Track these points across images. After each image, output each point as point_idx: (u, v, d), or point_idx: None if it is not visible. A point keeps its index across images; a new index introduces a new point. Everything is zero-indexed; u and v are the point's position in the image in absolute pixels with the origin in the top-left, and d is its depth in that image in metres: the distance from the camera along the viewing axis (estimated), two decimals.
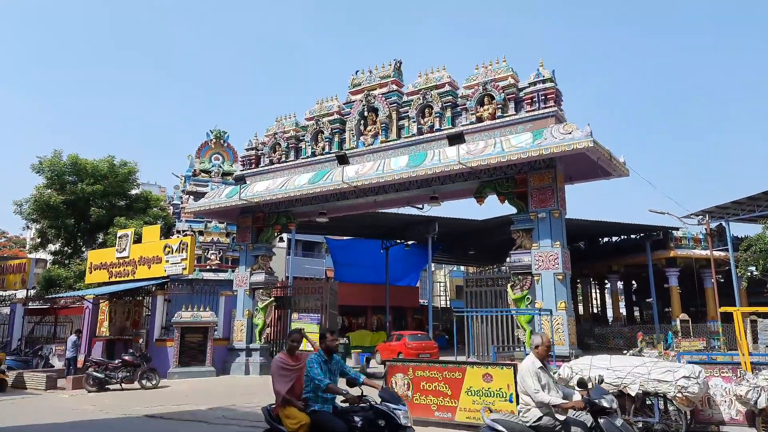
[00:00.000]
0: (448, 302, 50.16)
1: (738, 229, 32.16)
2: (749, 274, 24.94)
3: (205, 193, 20.36)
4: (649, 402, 7.54)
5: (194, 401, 11.76)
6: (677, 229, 30.42)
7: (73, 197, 25.38)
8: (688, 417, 7.46)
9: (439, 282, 54.98)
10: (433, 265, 39.26)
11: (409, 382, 9.03)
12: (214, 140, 24.45)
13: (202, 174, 23.68)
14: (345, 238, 35.11)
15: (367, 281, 32.20)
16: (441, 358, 17.62)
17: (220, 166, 23.86)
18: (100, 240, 25.89)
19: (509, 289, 13.13)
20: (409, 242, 33.67)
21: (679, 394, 7.21)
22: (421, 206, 17.08)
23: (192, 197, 21.92)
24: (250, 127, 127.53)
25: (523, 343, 12.57)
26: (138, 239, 19.80)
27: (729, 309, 9.05)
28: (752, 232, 28.06)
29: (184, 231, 22.08)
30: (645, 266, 31.29)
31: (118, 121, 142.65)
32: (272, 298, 18.01)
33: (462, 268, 49.07)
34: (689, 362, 8.16)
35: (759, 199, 26.19)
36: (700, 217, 27.10)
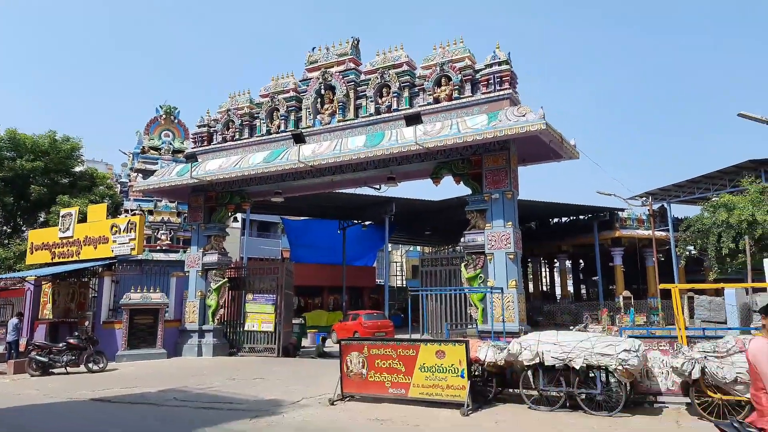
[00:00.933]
0: (404, 282, 50.78)
1: (679, 210, 33.86)
2: (688, 253, 26.35)
3: (155, 171, 19.64)
4: (592, 375, 7.91)
5: (144, 384, 11.50)
6: (623, 210, 31.77)
7: (12, 174, 24.01)
8: (628, 388, 7.88)
9: (396, 262, 55.51)
10: (389, 245, 39.52)
11: (364, 360, 9.13)
12: (164, 116, 23.54)
13: (152, 151, 22.81)
14: (301, 218, 34.81)
15: (324, 262, 32.15)
16: (396, 337, 17.91)
17: (171, 143, 23.03)
18: (42, 219, 24.71)
19: (463, 268, 13.40)
20: (366, 223, 33.75)
21: (620, 367, 7.59)
22: (378, 187, 17.09)
23: (141, 175, 21.11)
24: (202, 104, 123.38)
25: (475, 320, 12.91)
26: (83, 218, 19.01)
27: (668, 286, 9.55)
28: (692, 213, 29.63)
29: (132, 210, 21.29)
30: (592, 246, 32.60)
31: (59, 94, 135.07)
32: (226, 279, 17.72)
33: (418, 248, 49.65)
34: (630, 337, 8.59)
35: (698, 182, 27.63)
36: (644, 198, 28.37)
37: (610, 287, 35.38)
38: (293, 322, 18.59)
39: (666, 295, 21.23)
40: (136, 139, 23.40)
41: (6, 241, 24.97)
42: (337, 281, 32.05)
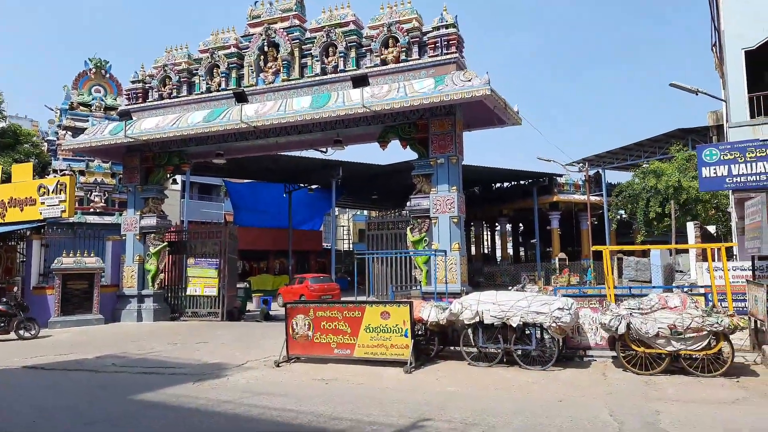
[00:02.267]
0: (351, 245, 51.06)
1: (612, 176, 35.59)
2: (619, 217, 27.87)
3: (85, 128, 18.46)
4: (528, 332, 8.33)
5: (81, 350, 11.12)
6: (561, 176, 33.01)
7: None
8: (561, 344, 8.37)
9: (343, 226, 55.59)
10: (336, 209, 39.49)
11: (309, 322, 9.19)
12: (94, 70, 22.01)
13: (81, 107, 21.39)
14: (246, 181, 33.99)
15: (270, 225, 31.73)
16: (342, 299, 18.11)
17: (102, 100, 21.67)
18: None
19: (408, 232, 13.60)
20: (313, 186, 33.42)
21: (554, 324, 8.03)
22: (324, 150, 16.87)
23: (70, 133, 19.83)
24: (136, 58, 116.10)
25: (420, 282, 13.22)
26: (7, 178, 17.79)
27: (599, 248, 10.10)
28: (624, 179, 31.22)
29: (62, 170, 20.07)
30: (531, 210, 33.83)
31: None
32: (165, 243, 17.18)
33: (365, 212, 49.84)
34: (564, 296, 9.07)
35: (631, 149, 29.03)
36: (581, 165, 29.57)
37: (547, 249, 37.03)
38: (238, 286, 18.39)
39: (598, 256, 22.47)
40: (63, 95, 21.87)
41: None
42: (283, 245, 31.80)
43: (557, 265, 25.96)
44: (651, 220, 23.10)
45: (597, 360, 8.74)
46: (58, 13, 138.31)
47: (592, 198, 30.77)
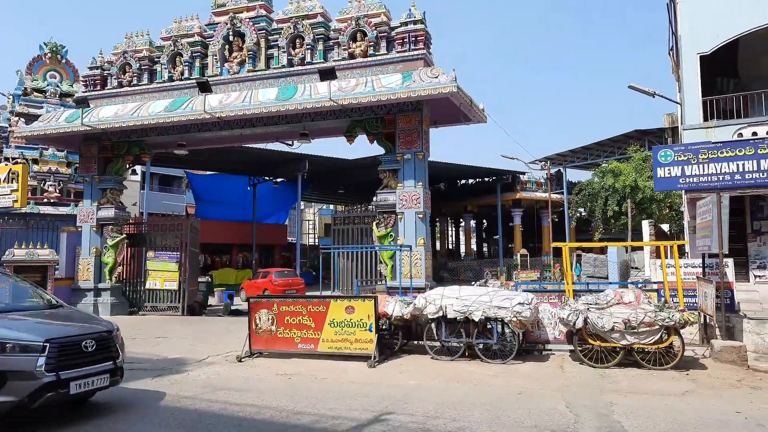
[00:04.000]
0: (317, 240, 50.75)
1: (573, 174, 36.49)
2: (578, 214, 28.61)
3: (40, 115, 17.73)
4: (490, 326, 8.48)
5: None
6: (524, 173, 33.64)
7: None
8: (521, 338, 8.56)
9: (308, 220, 55.15)
10: (302, 203, 39.10)
11: (273, 317, 9.11)
12: (49, 55, 21.13)
13: (35, 93, 20.52)
14: (209, 173, 33.29)
15: (233, 218, 31.18)
16: (307, 294, 18.00)
17: (58, 86, 20.83)
18: None
19: (374, 227, 13.62)
20: (278, 180, 33.01)
21: (515, 319, 8.20)
22: (290, 143, 16.71)
23: (23, 120, 19.01)
24: (94, 43, 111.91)
25: (385, 276, 13.27)
26: None
27: (559, 244, 10.37)
28: (584, 177, 32.07)
29: (14, 158, 19.23)
30: (495, 206, 34.37)
31: None
32: (124, 236, 16.69)
33: (331, 206, 49.60)
34: (525, 291, 9.28)
35: (591, 149, 29.82)
36: (543, 163, 30.19)
37: (510, 245, 37.71)
38: (199, 280, 18.03)
39: (558, 252, 23.04)
40: (16, 80, 20.92)
41: None
42: (247, 239, 31.31)
43: (519, 261, 26.47)
44: (609, 218, 23.82)
45: (555, 354, 8.98)
46: None
47: (554, 196, 31.49)
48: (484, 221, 46.07)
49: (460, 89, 12.30)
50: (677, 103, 14.42)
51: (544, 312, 8.96)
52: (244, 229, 31.30)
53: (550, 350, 9.10)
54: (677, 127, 15.93)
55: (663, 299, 8.65)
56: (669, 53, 15.41)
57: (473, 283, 14.61)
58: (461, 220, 42.70)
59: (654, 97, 14.86)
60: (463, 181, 38.66)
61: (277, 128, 14.90)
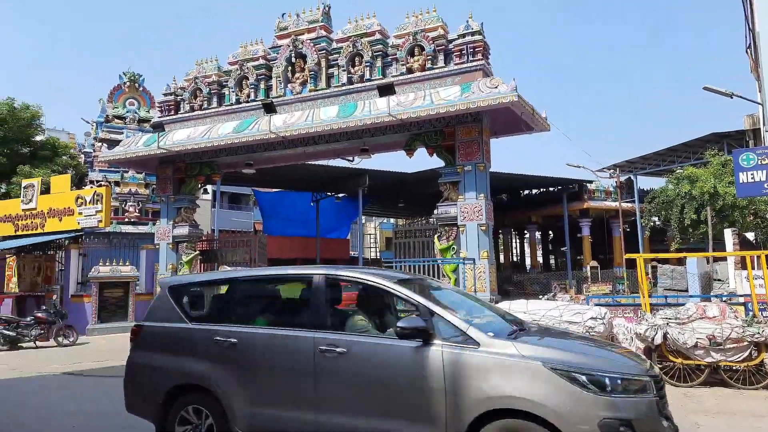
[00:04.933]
0: (379, 254, 51.08)
1: (645, 182, 34.81)
2: (652, 224, 27.19)
3: (120, 140, 19.06)
4: None
5: (116, 357, 11.37)
6: (591, 182, 32.43)
7: None
8: None
9: (370, 234, 55.68)
10: (363, 217, 39.57)
11: None
12: (128, 84, 22.73)
13: (116, 120, 22.09)
14: (274, 190, 34.43)
15: (298, 234, 32.02)
16: None
17: (136, 112, 22.33)
18: (3, 190, 23.81)
19: (436, 240, 13.54)
20: (340, 195, 33.60)
21: (587, 334, 7.87)
22: (351, 158, 16.98)
23: (105, 145, 20.49)
24: (167, 71, 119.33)
25: None
26: (46, 189, 18.45)
27: (633, 256, 9.88)
28: (657, 185, 30.49)
29: (98, 181, 20.73)
30: (561, 217, 33.28)
31: (16, 60, 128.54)
32: (197, 252, 17.51)
33: (392, 220, 49.86)
34: (597, 305, 8.89)
35: (663, 154, 28.35)
36: (612, 171, 29.00)
37: (578, 257, 36.34)
38: None
39: (631, 264, 21.94)
40: (99, 108, 22.63)
41: None
42: (311, 253, 32.02)
43: (589, 274, 25.42)
44: (686, 227, 22.46)
45: None
46: (94, 27, 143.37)
47: (624, 205, 30.11)
48: (550, 232, 44.69)
49: (520, 98, 12.09)
50: (758, 103, 13.48)
51: (618, 327, 8.53)
52: (308, 243, 32.05)
53: None
54: (759, 128, 14.86)
55: (751, 313, 8.02)
56: (746, 51, 14.46)
57: (541, 296, 14.19)
58: (526, 231, 41.64)
59: (732, 97, 13.97)
60: (526, 192, 37.78)
61: (338, 145, 15.22)
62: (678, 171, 24.82)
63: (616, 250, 31.79)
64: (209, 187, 33.02)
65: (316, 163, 21.54)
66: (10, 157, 23.54)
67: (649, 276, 19.50)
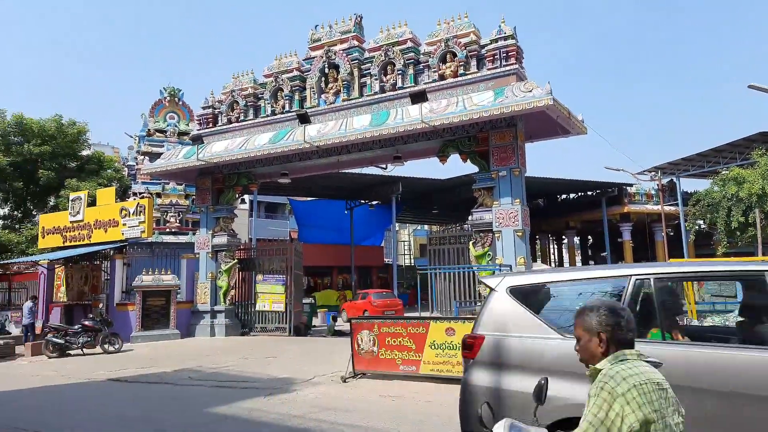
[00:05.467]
0: (413, 260, 50.91)
1: (688, 184, 33.62)
2: (697, 227, 26.21)
3: (161, 153, 19.67)
4: None
5: (160, 364, 11.72)
6: (631, 185, 31.54)
7: (20, 159, 24.18)
8: None
9: (404, 241, 55.57)
10: (397, 224, 39.58)
11: (374, 338, 9.23)
12: (168, 98, 23.46)
13: (157, 134, 22.80)
14: (308, 199, 34.85)
15: (332, 242, 32.28)
16: (405, 315, 18.05)
17: (176, 126, 23.00)
18: (52, 203, 24.94)
19: (471, 246, 13.42)
20: (374, 202, 33.75)
21: None
22: (384, 166, 17.04)
23: (147, 158, 21.17)
24: (205, 85, 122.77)
25: (485, 297, 12.94)
26: (92, 202, 19.17)
27: (677, 260, 9.54)
28: (701, 187, 29.40)
29: (140, 193, 21.41)
30: (600, 221, 32.46)
31: (64, 78, 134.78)
32: (236, 260, 17.86)
33: (426, 226, 49.66)
34: None
35: (708, 155, 27.31)
36: (653, 173, 28.13)
37: (619, 263, 35.35)
38: (303, 301, 18.78)
39: None
40: (141, 122, 23.39)
41: (17, 226, 25.27)
42: (345, 261, 32.22)
43: None
44: (733, 230, 21.58)
45: None
46: (135, 45, 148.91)
47: (667, 208, 29.14)
48: (589, 237, 43.65)
49: (556, 101, 11.90)
50: None
51: None
52: (342, 251, 32.27)
53: None
54: None
55: None
56: None
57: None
58: (563, 236, 40.80)
59: None
60: (563, 196, 37.05)
61: (371, 153, 15.30)
62: (723, 172, 23.88)
63: (659, 255, 30.77)
64: (246, 197, 33.78)
65: (350, 171, 21.72)
66: (59, 171, 24.64)
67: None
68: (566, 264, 42.25)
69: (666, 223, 28.52)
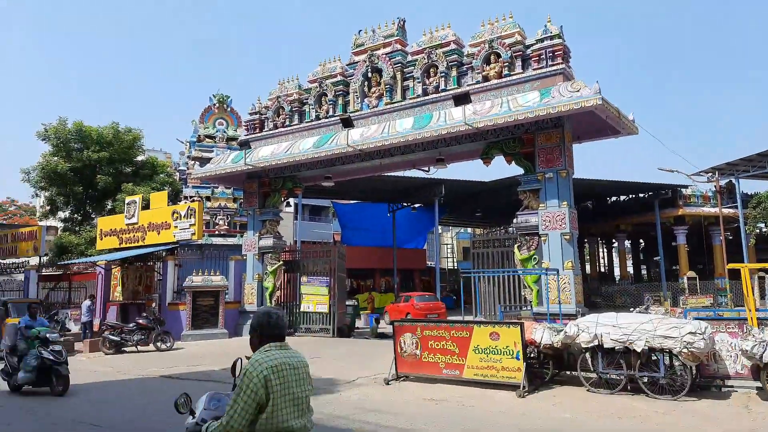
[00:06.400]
0: (455, 264, 50.50)
1: (748, 186, 31.87)
2: (758, 231, 24.84)
3: (211, 158, 20.30)
4: (655, 357, 7.64)
5: (208, 362, 12.06)
6: (686, 187, 30.18)
7: (80, 164, 25.46)
8: (694, 372, 7.57)
9: (446, 244, 55.23)
10: (440, 227, 39.38)
11: (417, 341, 9.20)
12: (217, 105, 24.20)
13: (207, 139, 23.56)
14: (352, 202, 35.13)
15: (375, 244, 32.40)
16: (449, 318, 17.89)
17: (225, 131, 23.70)
18: (109, 207, 26.10)
19: (516, 250, 13.18)
20: (416, 205, 33.68)
21: (685, 350, 7.29)
22: (427, 169, 16.97)
23: (197, 163, 21.88)
24: (253, 91, 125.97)
25: (530, 302, 12.71)
26: (146, 205, 19.94)
27: (737, 266, 9.08)
28: (762, 188, 27.85)
29: (191, 197, 22.16)
30: (653, 225, 31.21)
31: (120, 87, 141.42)
32: (281, 262, 18.19)
33: (469, 229, 49.16)
34: (695, 318, 8.23)
35: None
36: (710, 174, 26.80)
37: (673, 267, 33.91)
38: (346, 303, 18.92)
39: (735, 275, 20.11)
40: (192, 128, 24.22)
41: (77, 228, 26.62)
42: (387, 263, 32.27)
43: (686, 285, 23.59)
44: None
45: (738, 391, 7.79)
46: (186, 53, 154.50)
47: (725, 210, 27.72)
48: (641, 241, 42.07)
49: (605, 101, 11.54)
50: None
51: (721, 343, 7.84)
52: (385, 254, 32.32)
53: (731, 387, 7.93)
54: None
55: None
56: None
57: (631, 309, 13.35)
58: (613, 240, 39.48)
59: None
60: (613, 198, 35.87)
61: (414, 156, 15.27)
62: None
63: (717, 260, 29.32)
64: (291, 200, 34.36)
65: (392, 174, 21.74)
66: (115, 176, 25.80)
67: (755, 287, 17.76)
68: (616, 268, 40.82)
69: (724, 226, 27.13)
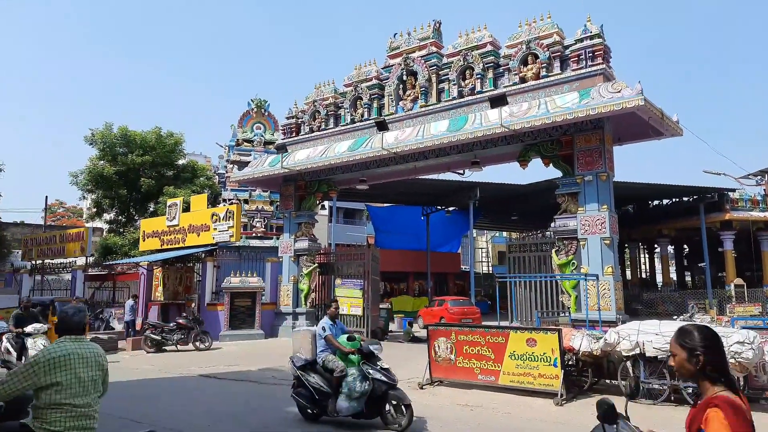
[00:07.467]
0: (490, 268, 49.86)
1: None
2: None
3: (249, 162, 20.70)
4: None
5: (245, 362, 12.27)
6: (734, 190, 28.99)
7: (125, 168, 26.39)
8: (741, 383, 7.25)
9: (481, 248, 54.62)
10: (474, 230, 39.03)
11: (451, 345, 9.12)
12: (255, 109, 24.68)
13: (245, 143, 24.04)
14: (386, 205, 35.18)
15: (408, 248, 32.33)
16: (483, 323, 17.66)
17: (262, 135, 24.13)
18: (152, 209, 26.95)
19: (554, 254, 12.92)
20: (450, 208, 33.48)
21: (732, 360, 6.99)
22: (461, 171, 16.85)
23: (236, 166, 22.35)
24: (290, 95, 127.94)
25: (568, 308, 12.43)
26: (186, 208, 20.46)
27: None
28: None
29: (229, 200, 22.64)
30: (698, 230, 30.05)
31: (162, 92, 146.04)
32: (316, 265, 18.37)
33: (504, 233, 48.48)
34: (743, 327, 7.88)
35: None
36: (759, 177, 25.72)
37: (719, 274, 32.59)
38: (380, 306, 18.93)
39: None
40: (231, 133, 24.77)
41: (121, 230, 27.58)
42: (421, 267, 32.14)
43: (733, 292, 22.63)
44: None
45: None
46: (224, 61, 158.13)
47: None
48: (685, 246, 40.54)
49: (647, 102, 11.21)
50: None
51: None
52: (418, 257, 32.20)
53: None
54: None
55: None
56: None
57: (675, 317, 12.90)
58: (656, 245, 38.17)
59: None
60: (656, 202, 34.73)
61: (449, 158, 15.18)
62: None
63: (766, 267, 28.04)
64: (326, 203, 34.70)
65: (427, 177, 21.66)
66: (158, 179, 26.63)
67: None
68: (658, 275, 39.49)
69: None
